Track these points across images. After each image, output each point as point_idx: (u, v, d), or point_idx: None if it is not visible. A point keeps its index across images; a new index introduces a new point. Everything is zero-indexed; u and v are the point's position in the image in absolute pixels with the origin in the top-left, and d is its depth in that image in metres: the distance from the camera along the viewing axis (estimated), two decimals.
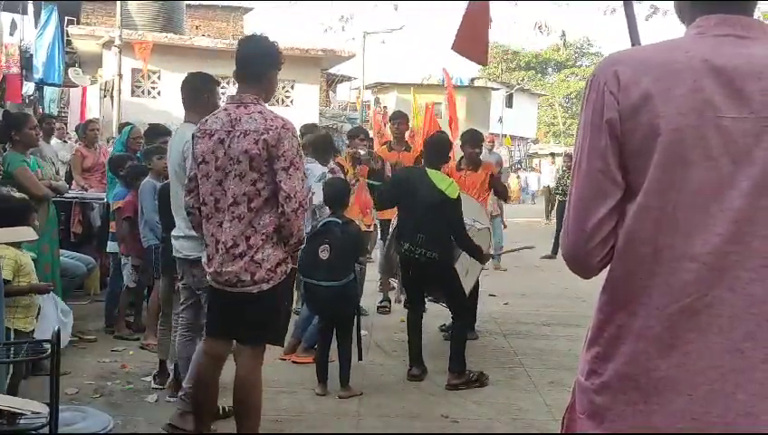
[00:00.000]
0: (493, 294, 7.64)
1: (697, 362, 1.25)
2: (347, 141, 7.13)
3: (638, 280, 1.30)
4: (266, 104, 3.21)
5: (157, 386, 4.31)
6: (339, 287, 4.21)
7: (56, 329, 2.90)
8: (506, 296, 7.72)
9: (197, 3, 24.78)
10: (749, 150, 1.23)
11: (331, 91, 28.86)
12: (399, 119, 6.96)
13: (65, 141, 9.56)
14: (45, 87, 16.36)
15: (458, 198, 4.63)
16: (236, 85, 3.15)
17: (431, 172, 4.68)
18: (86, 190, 6.72)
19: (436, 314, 5.82)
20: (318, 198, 4.92)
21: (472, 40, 4.59)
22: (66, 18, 16.83)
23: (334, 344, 4.45)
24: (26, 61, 15.04)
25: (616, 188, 1.32)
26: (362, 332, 4.63)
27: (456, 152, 6.25)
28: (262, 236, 3.01)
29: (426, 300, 5.11)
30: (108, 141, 9.57)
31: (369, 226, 6.35)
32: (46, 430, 2.60)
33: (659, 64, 1.28)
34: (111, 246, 5.72)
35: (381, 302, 6.81)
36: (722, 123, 1.24)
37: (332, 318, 4.40)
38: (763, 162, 1.23)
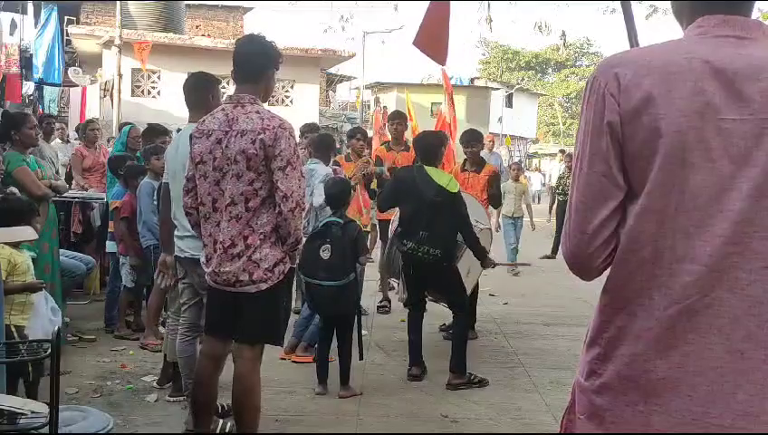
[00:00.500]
0: (493, 293, 7.65)
1: (697, 363, 1.25)
2: (347, 141, 7.14)
3: (639, 281, 1.30)
4: (265, 104, 3.21)
5: (158, 386, 4.32)
6: (339, 287, 4.22)
7: (56, 329, 2.91)
8: (506, 296, 7.72)
9: (197, 3, 24.78)
10: (749, 152, 1.23)
11: (330, 91, 28.87)
12: (398, 119, 6.95)
13: (67, 141, 9.55)
14: (45, 87, 16.39)
15: (459, 193, 4.64)
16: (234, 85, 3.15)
17: (429, 169, 4.68)
18: (86, 190, 6.72)
19: (437, 314, 5.82)
20: (319, 199, 4.92)
21: (432, 38, 4.57)
22: (66, 18, 16.84)
23: (334, 344, 4.45)
24: (26, 60, 15.05)
25: (618, 190, 1.32)
26: (362, 331, 4.63)
27: (458, 154, 6.26)
28: (260, 236, 3.01)
29: (426, 300, 5.11)
30: (108, 141, 9.56)
31: (365, 226, 6.35)
32: (46, 429, 2.60)
33: (660, 66, 1.28)
34: (110, 246, 5.73)
35: (381, 302, 6.81)
36: (722, 125, 1.24)
37: (333, 317, 4.41)
38: (763, 164, 1.23)
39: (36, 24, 15.34)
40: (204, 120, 3.17)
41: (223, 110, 3.12)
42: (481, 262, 4.92)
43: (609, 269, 1.37)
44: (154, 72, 18.01)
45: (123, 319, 5.57)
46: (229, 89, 12.65)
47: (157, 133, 5.88)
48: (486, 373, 4.78)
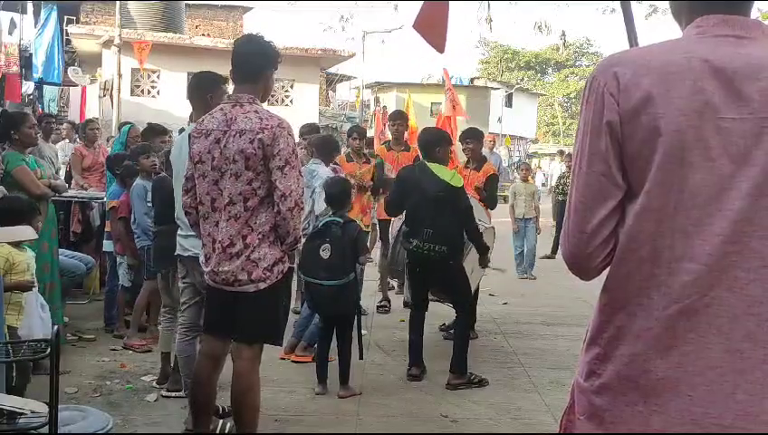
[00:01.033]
0: (492, 293, 7.65)
1: (696, 363, 1.25)
2: (346, 141, 7.15)
3: (638, 281, 1.30)
4: (264, 104, 3.21)
5: (157, 385, 4.32)
6: (339, 286, 4.22)
7: (56, 328, 2.91)
8: (506, 296, 7.72)
9: (197, 2, 24.78)
10: (748, 151, 1.23)
11: (330, 91, 28.87)
12: (399, 119, 6.93)
13: (75, 141, 9.51)
14: (45, 86, 16.38)
15: (462, 188, 4.64)
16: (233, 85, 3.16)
17: (432, 165, 4.68)
18: (85, 190, 6.72)
19: (437, 314, 5.82)
20: (321, 206, 4.90)
21: (431, 24, 4.55)
22: (66, 17, 16.84)
23: (334, 344, 4.45)
24: (26, 60, 15.05)
25: (617, 189, 1.32)
26: (362, 331, 4.63)
27: (459, 155, 6.25)
28: (258, 236, 3.01)
29: (429, 300, 5.09)
30: (107, 141, 9.56)
31: (367, 226, 6.35)
32: (46, 429, 2.61)
33: (659, 65, 1.28)
34: (107, 245, 5.73)
35: (381, 301, 6.81)
36: (722, 124, 1.24)
37: (332, 317, 4.41)
38: (762, 163, 1.23)
39: (36, 23, 15.34)
40: (202, 120, 3.17)
41: (221, 109, 3.12)
42: (481, 259, 4.91)
43: (608, 269, 1.37)
44: (153, 72, 18.01)
45: (122, 319, 5.57)
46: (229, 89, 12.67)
47: (156, 133, 5.89)
48: (486, 373, 4.78)
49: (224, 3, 25.79)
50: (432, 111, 25.06)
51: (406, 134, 7.32)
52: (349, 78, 29.37)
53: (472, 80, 38.02)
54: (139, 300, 5.22)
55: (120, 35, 15.46)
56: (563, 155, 14.78)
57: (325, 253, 4.22)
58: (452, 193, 4.56)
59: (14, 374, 3.43)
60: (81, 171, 7.02)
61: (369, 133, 11.99)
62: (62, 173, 7.15)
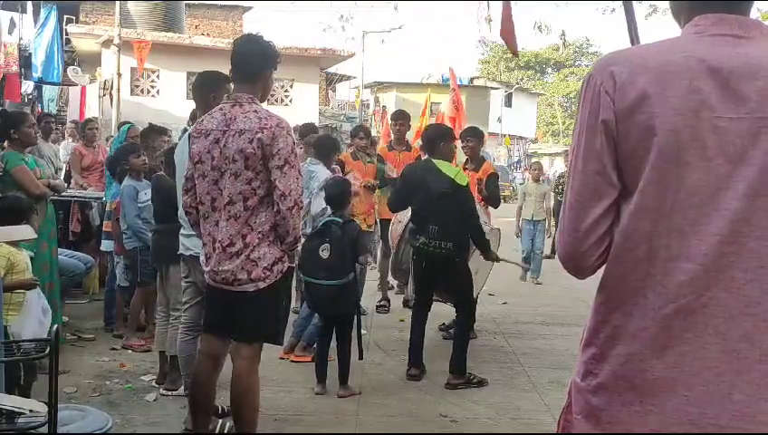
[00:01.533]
0: (492, 293, 7.64)
1: (693, 363, 1.25)
2: (350, 140, 7.15)
3: (634, 280, 1.30)
4: (264, 103, 3.21)
5: (157, 385, 4.32)
6: (339, 286, 4.22)
7: (56, 328, 2.90)
8: (505, 296, 7.72)
9: (197, 2, 24.76)
10: (745, 151, 1.23)
11: (330, 91, 28.86)
12: (401, 119, 6.90)
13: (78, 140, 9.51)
14: (44, 86, 16.35)
15: (467, 186, 4.64)
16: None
17: (438, 162, 4.69)
18: (85, 189, 6.72)
19: (437, 314, 5.81)
20: (317, 207, 4.90)
21: (507, 32, 5.58)
22: (65, 17, 16.81)
23: (333, 343, 4.45)
24: (25, 59, 15.02)
25: (612, 188, 1.32)
26: (362, 331, 4.63)
27: (459, 155, 6.25)
28: (258, 235, 3.01)
29: (432, 301, 5.08)
30: (107, 140, 9.55)
31: (370, 226, 6.35)
32: (45, 429, 2.60)
33: (656, 65, 1.28)
34: (106, 245, 5.73)
35: (380, 301, 6.81)
36: (718, 124, 1.24)
37: (332, 317, 4.41)
38: (759, 163, 1.22)
39: (35, 22, 15.31)
40: (202, 120, 3.18)
41: (221, 109, 3.13)
42: (484, 255, 4.91)
43: (604, 268, 1.37)
44: (153, 72, 17.99)
45: (122, 318, 5.57)
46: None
47: (156, 133, 5.88)
48: (485, 373, 4.79)
49: (223, 2, 25.77)
50: (432, 111, 25.05)
51: (408, 134, 7.31)
52: (348, 78, 29.35)
53: (471, 79, 38.00)
54: (134, 301, 5.22)
55: (119, 35, 15.43)
56: (567, 156, 14.63)
57: (325, 253, 4.22)
58: (456, 190, 4.56)
59: (21, 373, 3.44)
60: (81, 171, 7.02)
61: (373, 132, 11.98)
62: (62, 173, 7.15)
